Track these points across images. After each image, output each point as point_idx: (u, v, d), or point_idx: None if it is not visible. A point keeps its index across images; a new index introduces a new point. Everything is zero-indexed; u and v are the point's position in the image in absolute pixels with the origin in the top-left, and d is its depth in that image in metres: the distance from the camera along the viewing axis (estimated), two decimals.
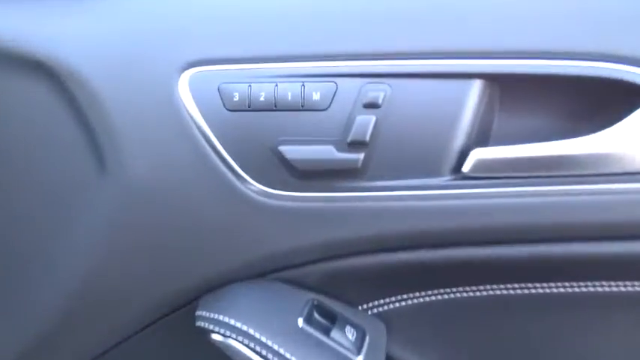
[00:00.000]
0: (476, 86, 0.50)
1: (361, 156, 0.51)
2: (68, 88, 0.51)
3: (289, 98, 0.50)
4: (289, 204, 0.52)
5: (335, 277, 0.56)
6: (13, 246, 0.55)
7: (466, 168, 0.51)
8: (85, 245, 0.53)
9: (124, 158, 0.51)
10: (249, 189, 0.52)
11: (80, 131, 0.52)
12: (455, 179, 0.51)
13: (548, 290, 0.56)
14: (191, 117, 0.51)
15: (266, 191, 0.52)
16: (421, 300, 0.58)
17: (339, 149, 0.50)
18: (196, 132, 0.51)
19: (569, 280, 0.56)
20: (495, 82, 0.51)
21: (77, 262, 0.54)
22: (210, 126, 0.51)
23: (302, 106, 0.50)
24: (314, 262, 0.54)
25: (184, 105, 0.51)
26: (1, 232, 0.55)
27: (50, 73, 0.51)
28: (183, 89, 0.51)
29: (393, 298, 0.58)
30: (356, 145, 0.50)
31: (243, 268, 0.54)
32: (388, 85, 0.50)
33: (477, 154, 0.51)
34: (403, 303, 0.58)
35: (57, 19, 0.52)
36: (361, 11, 0.51)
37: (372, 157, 0.51)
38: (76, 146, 0.52)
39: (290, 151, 0.51)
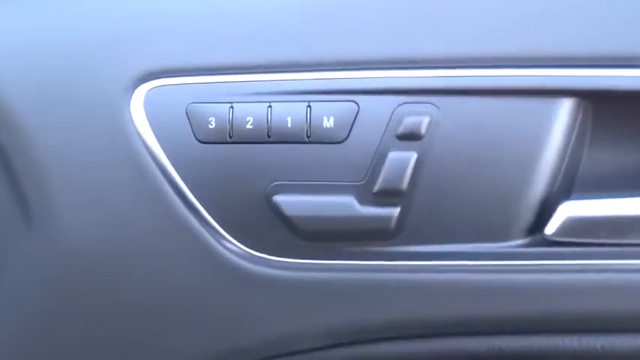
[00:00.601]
0: (565, 108, 0.45)
1: (395, 211, 0.45)
2: None
3: (289, 125, 0.45)
4: (288, 274, 0.47)
5: None
6: None
7: (550, 229, 0.45)
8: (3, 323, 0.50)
9: (54, 207, 0.47)
10: (232, 252, 0.47)
11: None
12: (533, 245, 0.46)
13: None
14: (148, 151, 0.47)
15: (255, 255, 0.47)
16: None
17: (363, 201, 0.45)
18: (156, 172, 0.47)
19: None
20: (589, 101, 0.45)
21: None
22: (174, 164, 0.46)
23: (308, 137, 0.45)
24: (326, 348, 0.50)
25: (138, 134, 0.47)
26: None
27: None
28: (137, 111, 0.47)
29: None
30: (388, 194, 0.45)
31: (225, 356, 0.49)
32: (434, 105, 0.45)
33: (568, 210, 0.45)
34: None
35: None
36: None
37: (410, 213, 0.46)
38: None
39: (289, 203, 0.46)
